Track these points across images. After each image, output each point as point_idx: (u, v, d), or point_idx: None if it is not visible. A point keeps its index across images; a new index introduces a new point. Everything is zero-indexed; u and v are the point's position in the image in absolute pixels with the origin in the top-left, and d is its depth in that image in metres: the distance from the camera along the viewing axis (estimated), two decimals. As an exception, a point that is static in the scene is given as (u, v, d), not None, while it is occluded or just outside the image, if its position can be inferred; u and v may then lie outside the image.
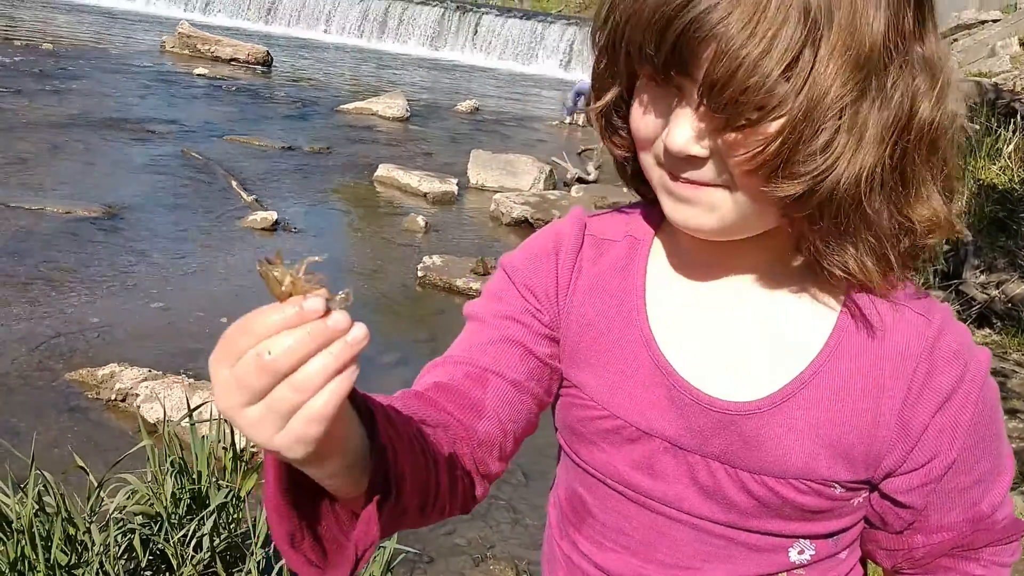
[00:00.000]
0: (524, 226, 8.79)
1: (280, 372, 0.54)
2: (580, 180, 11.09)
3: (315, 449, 0.57)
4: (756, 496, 0.85)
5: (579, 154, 13.13)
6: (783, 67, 0.68)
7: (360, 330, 0.56)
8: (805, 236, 0.79)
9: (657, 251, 0.94)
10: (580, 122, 17.28)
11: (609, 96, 0.85)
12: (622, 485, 0.92)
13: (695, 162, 0.77)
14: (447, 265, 6.95)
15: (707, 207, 0.80)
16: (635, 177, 0.93)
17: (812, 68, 0.68)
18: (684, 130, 0.75)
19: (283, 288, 0.54)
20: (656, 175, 0.83)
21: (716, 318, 0.89)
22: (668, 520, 0.90)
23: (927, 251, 0.82)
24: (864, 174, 0.72)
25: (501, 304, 0.94)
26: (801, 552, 0.88)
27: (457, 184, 9.92)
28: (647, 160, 0.84)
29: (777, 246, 0.85)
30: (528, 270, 0.95)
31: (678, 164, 0.79)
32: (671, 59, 0.72)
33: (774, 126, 0.71)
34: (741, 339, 0.87)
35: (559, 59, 27.38)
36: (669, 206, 0.83)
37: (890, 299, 0.83)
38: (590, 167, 11.63)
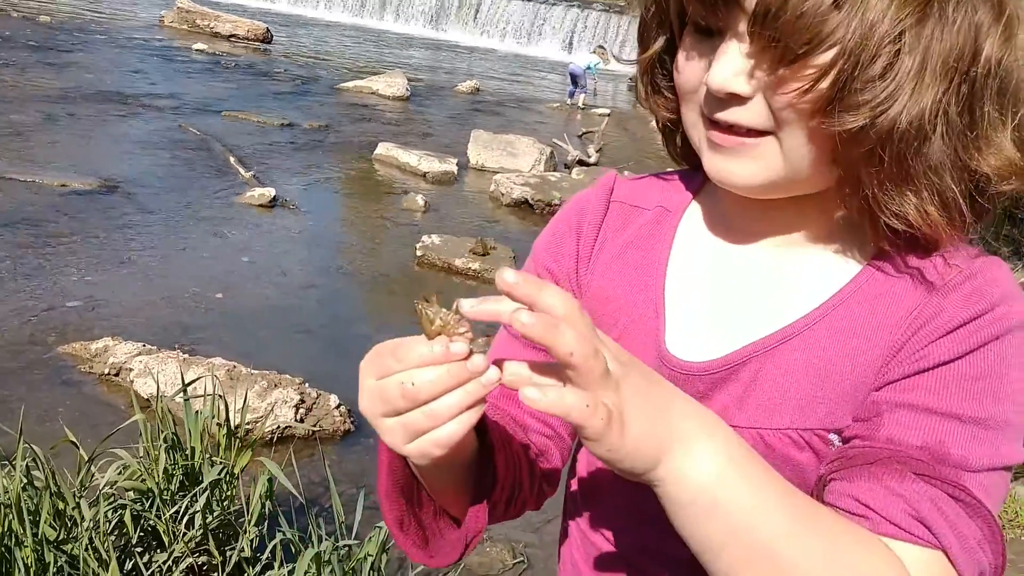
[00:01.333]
0: (524, 207, 8.74)
1: (418, 401, 0.60)
2: (581, 162, 11.04)
3: (437, 462, 0.65)
4: None
5: (580, 136, 13.08)
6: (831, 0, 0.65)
7: (494, 373, 0.60)
8: (861, 185, 0.73)
9: (689, 220, 0.91)
10: (580, 103, 17.26)
11: (656, 47, 0.82)
12: None
13: (738, 102, 0.73)
14: (446, 245, 6.90)
15: (753, 159, 0.75)
16: (683, 145, 0.90)
17: None
18: (726, 65, 0.72)
19: (433, 327, 0.60)
20: (698, 133, 0.79)
21: (737, 287, 0.85)
22: None
23: (1003, 199, 0.75)
24: (928, 108, 0.68)
25: None
26: None
27: (457, 164, 9.87)
28: (690, 116, 0.80)
29: (820, 211, 0.80)
30: (548, 251, 0.95)
31: (720, 105, 0.74)
32: None
33: (828, 56, 0.67)
34: (755, 304, 0.83)
35: (561, 41, 27.27)
36: (711, 161, 0.78)
37: (928, 256, 0.76)
38: (591, 149, 11.59)
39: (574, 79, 17.54)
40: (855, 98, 0.68)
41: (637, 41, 0.85)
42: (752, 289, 0.84)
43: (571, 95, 17.62)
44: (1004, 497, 0.73)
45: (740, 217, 0.85)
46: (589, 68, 17.54)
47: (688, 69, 0.77)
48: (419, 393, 0.60)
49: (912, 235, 0.75)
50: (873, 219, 0.75)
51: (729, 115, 0.74)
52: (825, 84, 0.68)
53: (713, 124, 0.76)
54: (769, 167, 0.75)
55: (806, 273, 0.82)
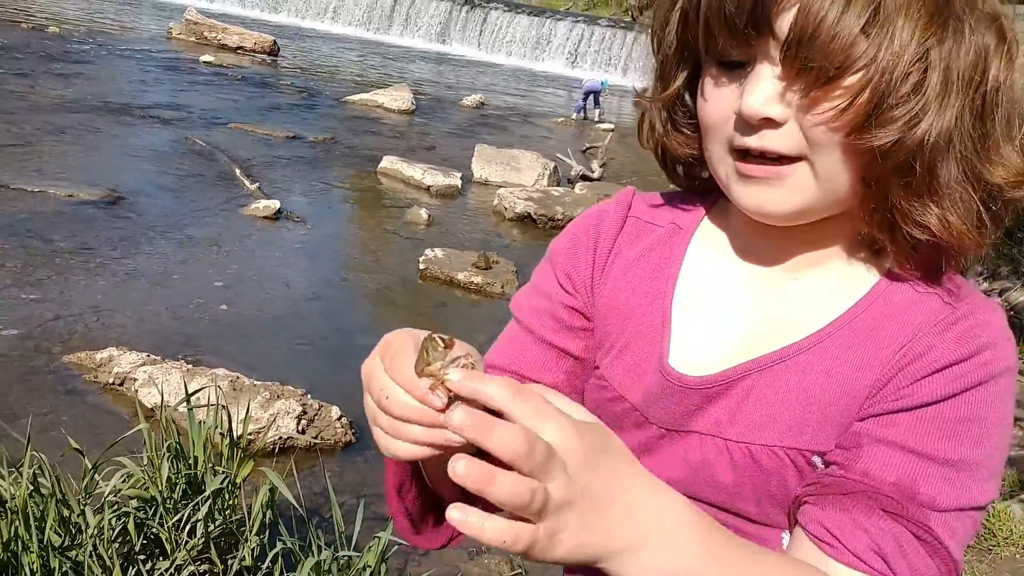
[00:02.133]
0: (527, 221, 8.78)
1: (388, 412, 0.63)
2: (584, 177, 11.09)
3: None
4: (741, 467, 0.83)
5: (584, 151, 13.14)
6: (863, 21, 0.70)
7: (460, 434, 0.60)
8: (887, 199, 0.77)
9: (700, 239, 0.94)
10: (596, 117, 17.37)
11: (676, 84, 0.85)
12: None
13: (770, 127, 0.75)
14: (449, 258, 6.95)
15: (787, 187, 0.78)
16: (685, 176, 0.94)
17: (891, 19, 0.70)
18: (760, 91, 0.75)
19: (426, 369, 0.61)
20: (724, 168, 0.82)
21: (741, 305, 0.88)
22: None
23: (1016, 205, 0.79)
24: (951, 121, 0.73)
25: (541, 299, 0.97)
26: None
27: (461, 178, 9.93)
28: (716, 150, 0.82)
29: (831, 235, 0.84)
30: (567, 256, 0.97)
31: (751, 131, 0.76)
32: (752, 18, 0.72)
33: (860, 75, 0.71)
34: (756, 324, 0.86)
35: (566, 56, 27.38)
36: (743, 193, 0.80)
37: (929, 289, 0.80)
38: (594, 164, 11.63)
39: (587, 95, 17.66)
40: (889, 114, 0.72)
41: (657, 80, 0.87)
42: (755, 309, 0.87)
43: (578, 110, 17.71)
44: (971, 535, 0.76)
45: (750, 237, 0.88)
46: (603, 84, 17.72)
47: (716, 100, 0.79)
48: (389, 408, 0.63)
49: (925, 264, 0.79)
50: (893, 234, 0.78)
51: (761, 140, 0.76)
52: (861, 101, 0.71)
53: (742, 155, 0.79)
54: (804, 192, 0.77)
55: (809, 297, 0.85)
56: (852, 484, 0.75)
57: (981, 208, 0.76)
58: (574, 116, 17.59)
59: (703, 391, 0.85)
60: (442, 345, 0.60)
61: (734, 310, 0.88)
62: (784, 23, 0.71)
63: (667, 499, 0.66)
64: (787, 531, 0.85)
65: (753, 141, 0.76)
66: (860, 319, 0.81)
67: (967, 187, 0.75)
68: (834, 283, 0.84)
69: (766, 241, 0.86)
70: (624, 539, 0.63)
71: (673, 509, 0.66)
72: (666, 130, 0.88)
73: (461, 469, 0.55)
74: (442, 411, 0.59)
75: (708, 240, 0.93)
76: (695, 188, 0.95)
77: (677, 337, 0.89)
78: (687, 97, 0.86)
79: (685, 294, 0.91)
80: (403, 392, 0.62)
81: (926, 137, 0.72)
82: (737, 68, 0.77)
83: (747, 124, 0.76)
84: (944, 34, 0.72)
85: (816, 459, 0.80)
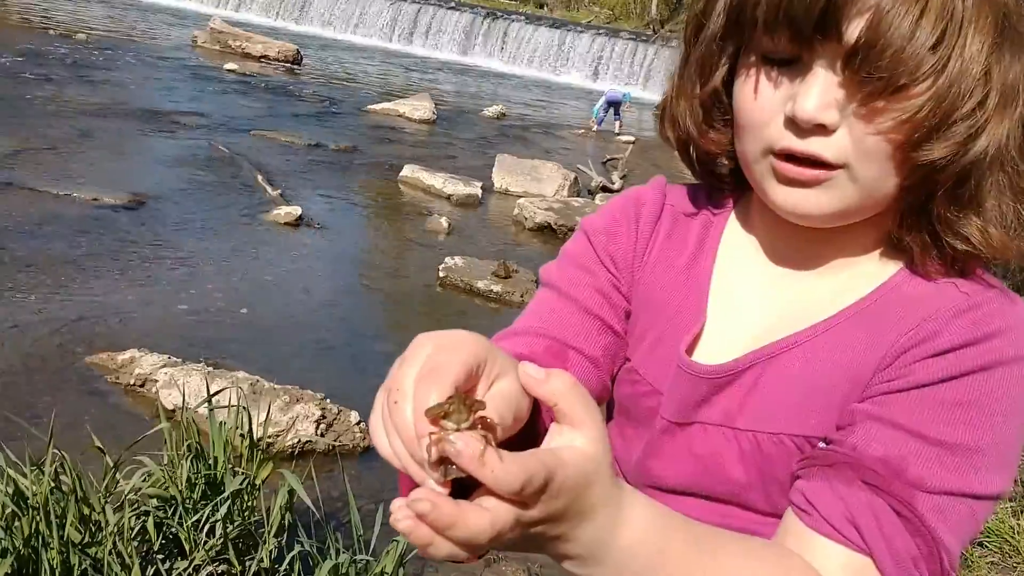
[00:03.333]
0: (547, 231, 8.78)
1: (389, 411, 0.58)
2: (604, 188, 11.09)
3: None
4: (749, 457, 0.83)
5: (604, 163, 13.14)
6: (937, 33, 0.69)
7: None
8: (925, 207, 0.76)
9: (730, 235, 0.94)
10: (616, 129, 17.36)
11: (716, 80, 0.83)
12: (643, 470, 0.92)
13: (821, 133, 0.74)
14: (468, 267, 6.95)
15: (828, 190, 0.76)
16: (701, 172, 0.92)
17: (963, 32, 0.70)
18: (817, 96, 0.73)
19: (440, 419, 0.55)
20: (760, 168, 0.80)
21: (759, 299, 0.88)
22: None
23: None
24: (1005, 136, 0.73)
25: (581, 272, 0.94)
26: None
27: (481, 187, 9.94)
28: (752, 149, 0.80)
29: (852, 233, 0.83)
30: (609, 235, 0.95)
31: (801, 135, 0.75)
32: (821, 23, 0.70)
33: (924, 88, 0.70)
34: (770, 316, 0.86)
35: (587, 69, 27.43)
36: (781, 194, 0.79)
37: (947, 280, 0.79)
38: (615, 176, 11.64)
39: (609, 105, 17.65)
40: (952, 129, 0.71)
41: (695, 75, 0.85)
42: (773, 304, 0.87)
43: (599, 122, 17.70)
44: (971, 525, 0.73)
45: (774, 236, 0.88)
46: (625, 97, 17.74)
47: (763, 100, 0.77)
48: (392, 411, 0.58)
49: (948, 261, 0.78)
50: (922, 236, 0.78)
51: (808, 145, 0.75)
52: (923, 114, 0.70)
53: (782, 157, 0.77)
54: (843, 198, 0.77)
55: (824, 291, 0.85)
56: (838, 456, 0.74)
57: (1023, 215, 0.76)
58: (594, 128, 17.58)
59: (712, 380, 0.85)
60: (466, 411, 0.55)
61: (754, 306, 0.88)
62: (854, 30, 0.69)
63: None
64: None
65: (799, 145, 0.75)
66: (870, 308, 0.81)
67: (1010, 197, 0.75)
68: (846, 277, 0.84)
69: (790, 240, 0.86)
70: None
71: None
72: (700, 129, 0.87)
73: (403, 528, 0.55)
74: (429, 463, 0.55)
75: (736, 237, 0.93)
76: (719, 185, 0.94)
77: (706, 334, 0.89)
78: (722, 92, 0.85)
79: (715, 289, 0.91)
80: (411, 411, 0.56)
81: (983, 153, 0.71)
82: (786, 66, 0.75)
83: (796, 127, 0.74)
84: (1004, 47, 0.71)
85: (821, 444, 0.79)
